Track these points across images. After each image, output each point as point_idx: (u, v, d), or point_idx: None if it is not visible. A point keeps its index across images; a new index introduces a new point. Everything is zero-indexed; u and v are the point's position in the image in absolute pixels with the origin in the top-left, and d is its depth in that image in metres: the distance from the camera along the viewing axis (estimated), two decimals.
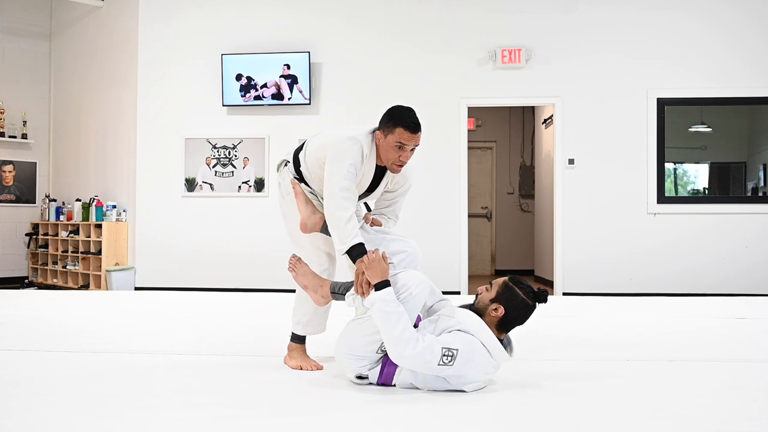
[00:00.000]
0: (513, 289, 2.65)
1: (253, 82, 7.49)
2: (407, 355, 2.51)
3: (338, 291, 2.85)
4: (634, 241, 7.24)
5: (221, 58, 7.51)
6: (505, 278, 2.71)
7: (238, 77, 7.49)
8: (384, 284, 2.62)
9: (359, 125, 3.10)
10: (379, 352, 2.68)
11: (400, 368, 2.65)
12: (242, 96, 7.51)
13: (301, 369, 3.01)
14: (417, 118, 2.88)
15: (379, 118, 2.96)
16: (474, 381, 2.60)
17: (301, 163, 3.05)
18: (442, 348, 2.53)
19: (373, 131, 2.95)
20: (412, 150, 2.91)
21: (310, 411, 2.41)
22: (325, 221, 2.95)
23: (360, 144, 2.86)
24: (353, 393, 2.64)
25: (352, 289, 2.73)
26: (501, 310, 2.64)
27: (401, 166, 2.95)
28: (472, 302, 2.78)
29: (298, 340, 3.12)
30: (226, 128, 7.66)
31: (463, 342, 2.56)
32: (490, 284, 2.73)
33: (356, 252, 2.73)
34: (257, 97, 7.51)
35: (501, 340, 2.68)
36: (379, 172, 3.01)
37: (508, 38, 7.38)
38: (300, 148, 3.10)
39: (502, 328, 2.69)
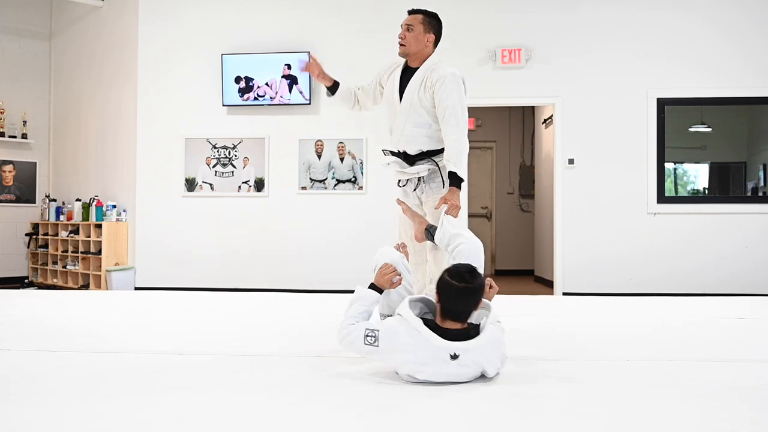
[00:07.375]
0: (443, 276, 2.74)
1: (251, 83, 7.49)
2: (339, 334, 2.80)
3: (431, 231, 3.36)
4: (634, 241, 7.24)
5: (221, 58, 7.52)
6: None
7: (237, 79, 7.48)
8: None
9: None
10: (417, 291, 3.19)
11: None
12: (240, 96, 7.51)
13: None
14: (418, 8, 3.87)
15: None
16: (407, 362, 2.62)
17: None
18: (366, 329, 2.68)
19: None
20: (409, 29, 3.88)
21: (311, 413, 2.41)
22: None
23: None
24: (352, 390, 2.64)
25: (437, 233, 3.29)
26: (437, 298, 2.73)
27: (400, 44, 3.88)
28: None
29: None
30: (226, 128, 7.65)
31: (386, 324, 2.73)
32: None
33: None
34: (257, 97, 7.51)
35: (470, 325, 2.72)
36: (407, 76, 3.80)
37: (508, 38, 7.37)
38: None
39: (447, 314, 2.71)
